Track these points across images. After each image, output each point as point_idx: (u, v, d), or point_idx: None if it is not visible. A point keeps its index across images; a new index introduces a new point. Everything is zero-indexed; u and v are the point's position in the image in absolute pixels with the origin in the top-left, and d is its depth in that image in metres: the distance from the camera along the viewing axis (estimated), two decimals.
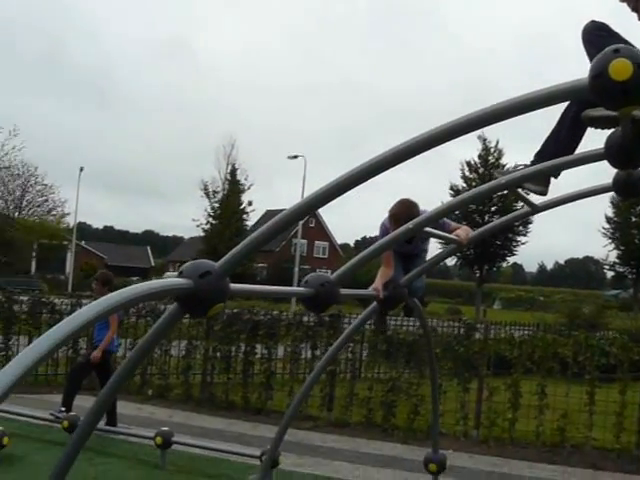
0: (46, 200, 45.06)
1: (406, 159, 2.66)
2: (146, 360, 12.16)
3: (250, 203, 55.21)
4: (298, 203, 2.79)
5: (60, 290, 35.66)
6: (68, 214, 47.68)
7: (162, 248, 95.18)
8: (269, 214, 60.82)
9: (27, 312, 12.10)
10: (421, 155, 2.70)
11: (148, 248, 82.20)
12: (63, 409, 8.71)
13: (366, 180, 2.69)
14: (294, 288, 3.61)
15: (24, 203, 44.07)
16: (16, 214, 43.36)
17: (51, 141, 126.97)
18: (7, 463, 7.09)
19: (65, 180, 74.52)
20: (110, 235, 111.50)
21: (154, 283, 2.22)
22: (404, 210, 4.87)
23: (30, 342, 11.91)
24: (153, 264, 77.40)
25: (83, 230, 60.27)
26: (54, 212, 45.90)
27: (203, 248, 51.77)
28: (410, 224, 4.24)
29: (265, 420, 10.77)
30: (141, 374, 12.04)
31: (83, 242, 59.76)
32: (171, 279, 2.42)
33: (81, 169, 48.99)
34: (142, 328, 12.49)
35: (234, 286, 2.44)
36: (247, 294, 3.74)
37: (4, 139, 37.76)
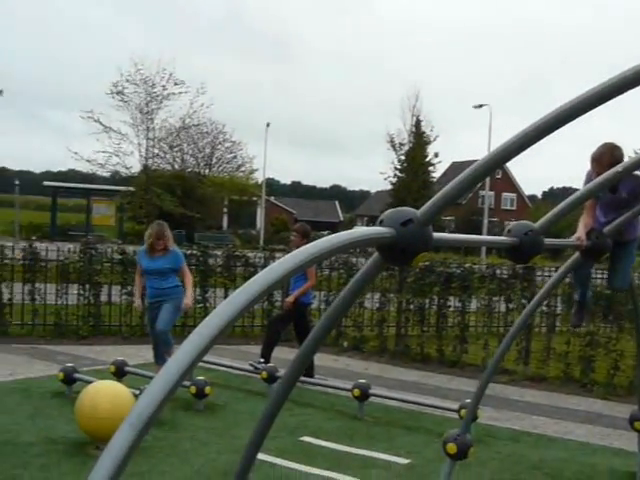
0: (235, 157, 46.52)
1: (597, 105, 2.36)
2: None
3: (436, 155, 54.34)
4: (489, 154, 2.57)
5: (251, 245, 36.90)
6: (257, 170, 49.12)
7: (349, 202, 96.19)
8: (455, 166, 59.74)
9: (222, 265, 12.56)
10: (616, 100, 2.38)
11: (336, 203, 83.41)
12: (262, 360, 9.01)
13: (555, 130, 2.42)
14: (497, 237, 3.37)
15: (214, 160, 45.69)
16: (206, 171, 45.05)
17: (237, 98, 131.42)
18: (210, 411, 7.41)
19: (252, 137, 76.98)
20: (298, 190, 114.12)
21: (356, 232, 2.11)
22: (607, 152, 4.49)
23: (226, 295, 12.44)
24: (342, 218, 78.57)
25: (271, 186, 62.13)
26: (243, 168, 47.36)
27: (391, 201, 51.77)
28: (619, 167, 3.87)
29: (460, 373, 10.64)
30: (336, 326, 12.24)
31: (272, 198, 61.58)
32: (373, 227, 2.29)
33: (267, 125, 50.17)
34: (335, 281, 12.67)
35: (437, 235, 2.28)
36: (450, 243, 3.57)
37: (192, 97, 39.21)
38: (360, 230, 2.22)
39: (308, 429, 6.99)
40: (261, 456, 6.06)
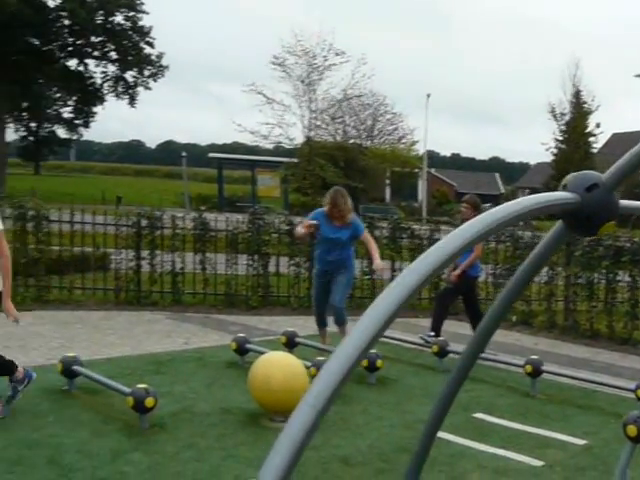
0: (396, 128, 46.07)
1: None
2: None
3: (598, 125, 51.70)
4: None
5: (414, 217, 36.62)
6: (417, 142, 48.60)
7: (508, 174, 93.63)
8: (616, 137, 56.57)
9: (388, 237, 12.45)
10: None
11: (496, 175, 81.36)
12: (432, 334, 8.85)
13: None
14: None
15: (375, 132, 45.50)
16: (368, 143, 44.93)
17: (397, 70, 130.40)
18: (382, 385, 7.33)
19: (412, 108, 76.09)
20: (457, 162, 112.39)
21: (540, 197, 1.90)
22: None
23: (392, 266, 12.33)
24: (502, 191, 76.53)
25: (431, 158, 61.21)
26: (404, 140, 46.95)
27: (553, 173, 49.89)
28: None
29: (632, 351, 10.09)
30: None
31: (432, 170, 60.89)
32: (556, 192, 2.06)
33: (428, 96, 49.47)
34: (502, 254, 12.27)
35: (624, 203, 2.02)
36: (638, 212, 3.23)
37: (353, 67, 39.08)
38: (543, 195, 2.01)
39: (481, 405, 6.77)
40: None
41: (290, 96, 37.45)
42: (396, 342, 9.08)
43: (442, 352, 7.99)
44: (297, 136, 38.76)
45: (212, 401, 6.55)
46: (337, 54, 36.87)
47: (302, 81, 36.58)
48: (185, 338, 9.34)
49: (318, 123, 39.57)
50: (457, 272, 8.80)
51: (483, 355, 8.41)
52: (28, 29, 41.83)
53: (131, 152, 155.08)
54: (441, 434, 5.78)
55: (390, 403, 6.73)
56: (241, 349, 7.76)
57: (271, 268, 11.99)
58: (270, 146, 41.57)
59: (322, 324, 8.72)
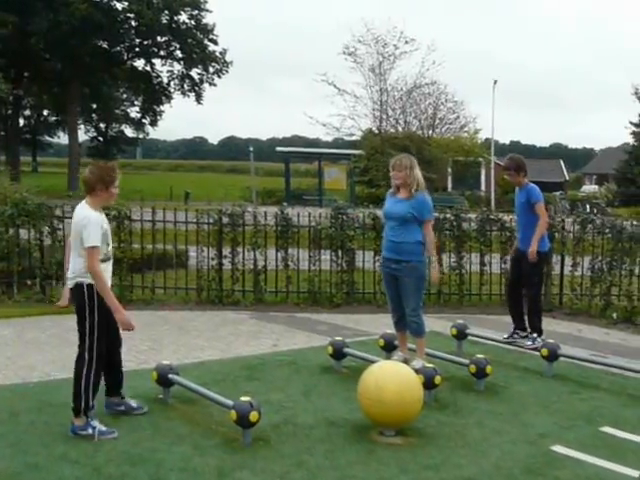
0: (457, 117, 45.10)
1: None
2: (608, 281, 11.29)
3: None
4: None
5: (480, 207, 35.63)
6: (480, 130, 47.37)
7: (572, 161, 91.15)
8: None
9: (477, 230, 11.85)
10: None
11: (560, 161, 79.23)
12: (535, 335, 8.24)
13: None
14: None
15: (436, 121, 44.57)
16: (430, 132, 44.01)
17: (459, 54, 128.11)
18: (491, 392, 6.75)
19: (472, 95, 74.55)
20: (517, 150, 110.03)
21: None
22: None
23: (481, 260, 11.74)
24: (567, 178, 74.48)
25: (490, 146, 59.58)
26: (466, 128, 45.86)
27: (626, 158, 48.32)
28: None
29: None
30: (604, 296, 11.22)
31: (494, 157, 59.37)
32: None
33: (495, 82, 48.15)
34: (603, 245, 11.60)
35: None
36: None
37: (424, 55, 38.16)
38: None
39: (605, 417, 6.16)
40: (561, 449, 5.40)
41: (361, 87, 36.77)
42: (491, 342, 8.55)
43: (552, 356, 7.40)
44: (367, 127, 38.01)
45: (313, 411, 6.14)
46: (407, 42, 36.00)
47: (373, 70, 35.78)
48: (273, 339, 8.97)
49: (390, 113, 38.73)
50: (534, 248, 7.94)
51: (593, 357, 7.85)
52: (97, 32, 42.38)
53: (194, 149, 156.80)
54: (569, 451, 5.29)
55: (505, 414, 6.19)
56: (338, 354, 7.32)
57: (356, 264, 11.52)
58: (330, 139, 41.10)
59: (397, 327, 7.38)
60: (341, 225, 11.33)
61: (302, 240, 11.63)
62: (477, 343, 8.45)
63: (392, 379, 5.37)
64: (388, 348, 7.57)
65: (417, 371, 6.00)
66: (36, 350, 8.11)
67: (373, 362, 7.08)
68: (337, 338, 7.59)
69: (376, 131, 37.35)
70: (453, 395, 6.55)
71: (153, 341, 8.67)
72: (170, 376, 6.23)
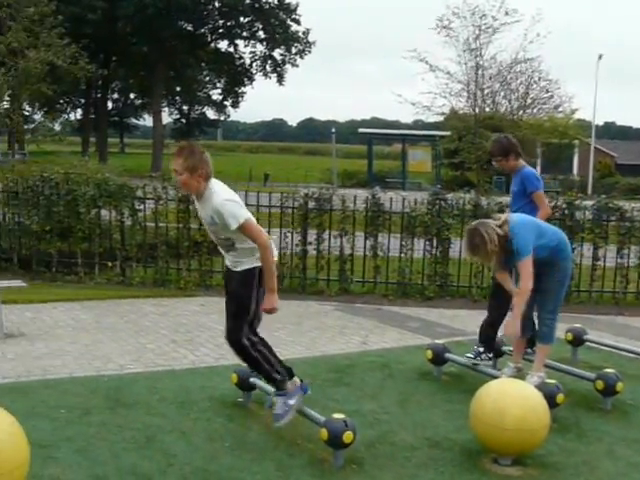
0: (551, 96, 43.00)
1: None
2: None
3: None
4: None
5: (572, 192, 33.81)
6: (577, 110, 45.09)
7: None
8: None
9: (592, 219, 10.72)
10: None
11: None
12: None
13: None
14: None
15: (528, 101, 42.60)
16: (520, 113, 42.10)
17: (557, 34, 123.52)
18: (619, 412, 5.78)
19: (566, 73, 71.40)
20: (611, 132, 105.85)
21: None
22: None
23: (595, 253, 10.67)
24: None
25: (585, 127, 56.69)
26: (560, 109, 43.73)
27: None
28: None
29: None
30: None
31: (594, 139, 56.75)
32: None
33: (600, 57, 45.83)
34: None
35: None
36: None
37: (528, 26, 35.75)
38: None
39: None
40: None
41: (454, 63, 35.17)
42: (608, 349, 7.55)
43: None
44: (459, 106, 36.29)
45: (412, 427, 5.35)
46: (507, 13, 33.87)
47: (468, 45, 33.91)
48: (362, 336, 8.22)
49: (486, 92, 36.94)
50: None
51: None
52: (182, 14, 42.41)
53: (273, 130, 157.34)
54: None
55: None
56: (438, 359, 6.52)
57: (451, 254, 10.65)
58: (410, 120, 39.84)
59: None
60: (438, 212, 10.47)
61: (393, 227, 10.84)
62: (592, 349, 7.52)
63: (515, 402, 4.52)
64: (495, 353, 6.70)
65: (535, 387, 5.14)
66: (113, 338, 7.66)
67: (478, 371, 6.37)
68: (437, 341, 6.80)
69: (469, 111, 35.58)
70: (574, 414, 5.64)
71: None
72: (252, 380, 5.58)
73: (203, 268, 10.49)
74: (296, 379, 5.06)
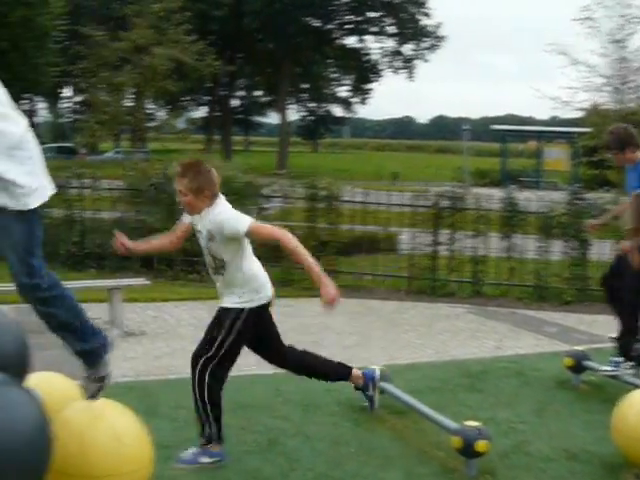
0: None
1: None
2: None
3: None
4: None
5: None
6: None
7: None
8: None
9: None
10: None
11: None
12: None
13: None
14: None
15: None
16: None
17: None
18: None
19: None
20: None
21: None
22: None
23: None
24: None
25: None
26: None
27: None
28: None
29: None
30: None
31: None
32: None
33: None
34: None
35: None
36: None
37: None
38: None
39: None
40: None
41: (596, 55, 33.63)
42: None
43: None
44: (602, 100, 34.68)
45: (548, 437, 5.01)
46: None
47: (612, 37, 32.32)
48: (495, 341, 7.88)
49: (631, 86, 35.14)
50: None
51: None
52: (309, 10, 42.67)
53: (402, 128, 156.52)
54: None
55: None
56: (578, 367, 6.11)
57: (591, 256, 10.10)
58: (545, 116, 38.34)
59: None
60: (577, 212, 9.93)
61: (528, 227, 10.39)
62: None
63: None
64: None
65: None
66: None
67: (620, 380, 5.94)
68: (577, 348, 6.38)
69: (611, 106, 33.86)
70: None
71: (360, 335, 7.90)
72: (383, 385, 5.38)
73: (329, 268, 10.37)
74: (220, 445, 4.47)
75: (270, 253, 10.53)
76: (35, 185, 3.34)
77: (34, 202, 3.21)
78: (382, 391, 5.40)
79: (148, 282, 8.40)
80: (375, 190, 10.74)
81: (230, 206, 4.33)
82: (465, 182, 33.64)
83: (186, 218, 4.54)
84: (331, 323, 8.40)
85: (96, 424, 3.31)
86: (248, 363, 6.60)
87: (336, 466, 4.47)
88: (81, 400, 3.70)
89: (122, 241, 4.56)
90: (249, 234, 4.19)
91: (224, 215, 4.21)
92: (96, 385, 3.71)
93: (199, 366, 4.34)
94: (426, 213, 10.33)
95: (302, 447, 4.73)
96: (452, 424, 4.55)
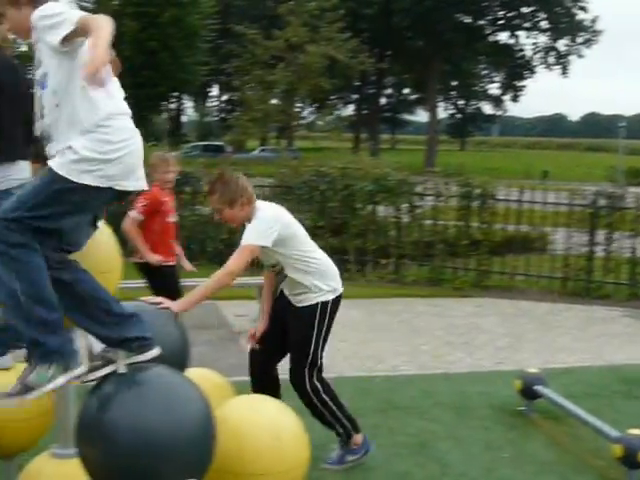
0: None
1: None
2: None
3: None
4: None
5: None
6: None
7: None
8: None
9: None
10: None
11: None
12: None
13: None
14: None
15: None
16: None
17: None
18: None
19: None
20: None
21: None
22: None
23: None
24: None
25: None
26: None
27: None
28: None
29: None
30: None
31: None
32: None
33: None
34: None
35: None
36: None
37: None
38: None
39: None
40: None
41: None
42: None
43: None
44: None
45: None
46: None
47: None
48: None
49: None
50: None
51: None
52: (459, 7, 42.08)
53: (553, 126, 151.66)
54: None
55: None
56: None
57: None
58: None
59: None
60: None
61: None
62: None
63: None
64: None
65: None
66: (385, 338, 7.57)
67: None
68: None
69: None
70: None
71: (512, 337, 7.68)
72: (536, 388, 5.23)
73: (481, 268, 10.15)
74: (359, 435, 4.39)
75: (421, 251, 10.43)
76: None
77: (86, 178, 2.60)
78: (538, 395, 5.24)
79: None
80: (529, 189, 10.39)
81: (268, 212, 4.07)
82: (619, 181, 32.12)
83: (262, 256, 4.19)
84: (482, 324, 8.23)
85: (255, 421, 3.26)
86: (398, 364, 6.63)
87: (489, 472, 4.38)
88: (238, 396, 3.64)
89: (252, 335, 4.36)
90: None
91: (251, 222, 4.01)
92: (20, 389, 2.67)
93: (306, 378, 4.17)
94: (582, 212, 9.89)
95: (453, 451, 4.66)
96: (613, 432, 4.36)
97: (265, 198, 11.57)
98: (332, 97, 47.27)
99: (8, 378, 3.49)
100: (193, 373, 3.21)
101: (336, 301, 4.19)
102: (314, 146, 28.97)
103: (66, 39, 2.57)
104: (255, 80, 26.88)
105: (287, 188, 10.97)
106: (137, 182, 2.77)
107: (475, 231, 10.15)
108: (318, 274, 4.12)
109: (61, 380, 2.67)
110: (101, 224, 3.07)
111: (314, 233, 10.77)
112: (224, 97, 58.24)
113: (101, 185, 2.63)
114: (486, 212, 10.04)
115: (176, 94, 44.12)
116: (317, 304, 4.11)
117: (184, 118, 59.10)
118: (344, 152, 14.86)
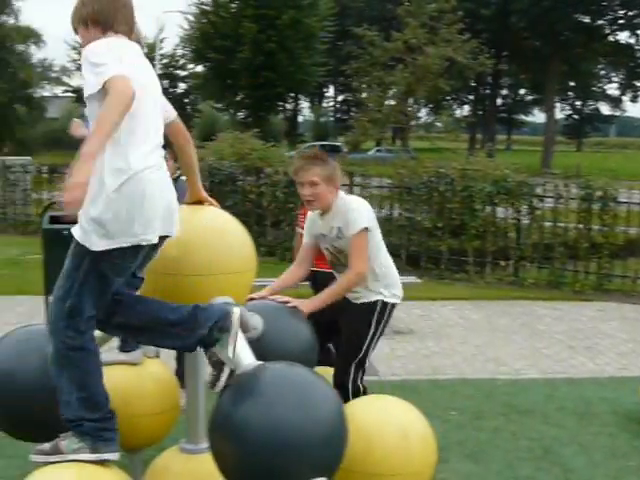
0: None
1: None
2: None
3: None
4: None
5: None
6: None
7: None
8: None
9: None
10: None
11: None
12: None
13: None
14: None
15: None
16: None
17: None
18: None
19: None
20: None
21: None
22: None
23: None
24: None
25: None
26: None
27: None
28: None
29: None
30: None
31: None
32: None
33: None
34: None
35: None
36: None
37: None
38: None
39: None
40: None
41: None
42: None
43: None
44: None
45: None
46: None
47: None
48: None
49: None
50: None
51: None
52: (578, 6, 40.91)
53: None
54: None
55: None
56: None
57: None
58: None
59: None
60: None
61: None
62: None
63: None
64: None
65: None
66: (506, 340, 7.48)
67: None
68: None
69: None
70: None
71: (636, 342, 7.47)
72: None
73: (602, 272, 9.87)
74: None
75: (541, 254, 10.24)
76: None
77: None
78: None
79: (419, 280, 8.45)
80: None
81: (360, 201, 3.88)
82: None
83: (306, 237, 4.02)
84: (604, 329, 8.02)
85: (384, 421, 3.24)
86: (520, 367, 6.55)
87: (613, 476, 4.30)
88: (365, 396, 3.64)
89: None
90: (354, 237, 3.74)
91: (352, 206, 3.78)
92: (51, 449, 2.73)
93: (350, 378, 3.82)
94: None
95: (577, 457, 4.59)
96: None
97: (384, 198, 11.67)
98: (448, 98, 46.81)
99: (136, 372, 3.72)
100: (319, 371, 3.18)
101: (394, 306, 3.96)
102: (430, 146, 28.72)
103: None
104: (374, 81, 26.94)
105: (406, 189, 10.99)
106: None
107: (596, 234, 9.89)
108: (384, 278, 3.90)
109: (84, 457, 2.67)
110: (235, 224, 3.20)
111: (432, 234, 10.80)
112: (340, 98, 58.56)
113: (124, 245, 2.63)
114: (607, 214, 9.76)
115: (293, 95, 44.73)
116: (377, 302, 3.85)
117: (300, 118, 59.85)
118: (461, 153, 14.60)
